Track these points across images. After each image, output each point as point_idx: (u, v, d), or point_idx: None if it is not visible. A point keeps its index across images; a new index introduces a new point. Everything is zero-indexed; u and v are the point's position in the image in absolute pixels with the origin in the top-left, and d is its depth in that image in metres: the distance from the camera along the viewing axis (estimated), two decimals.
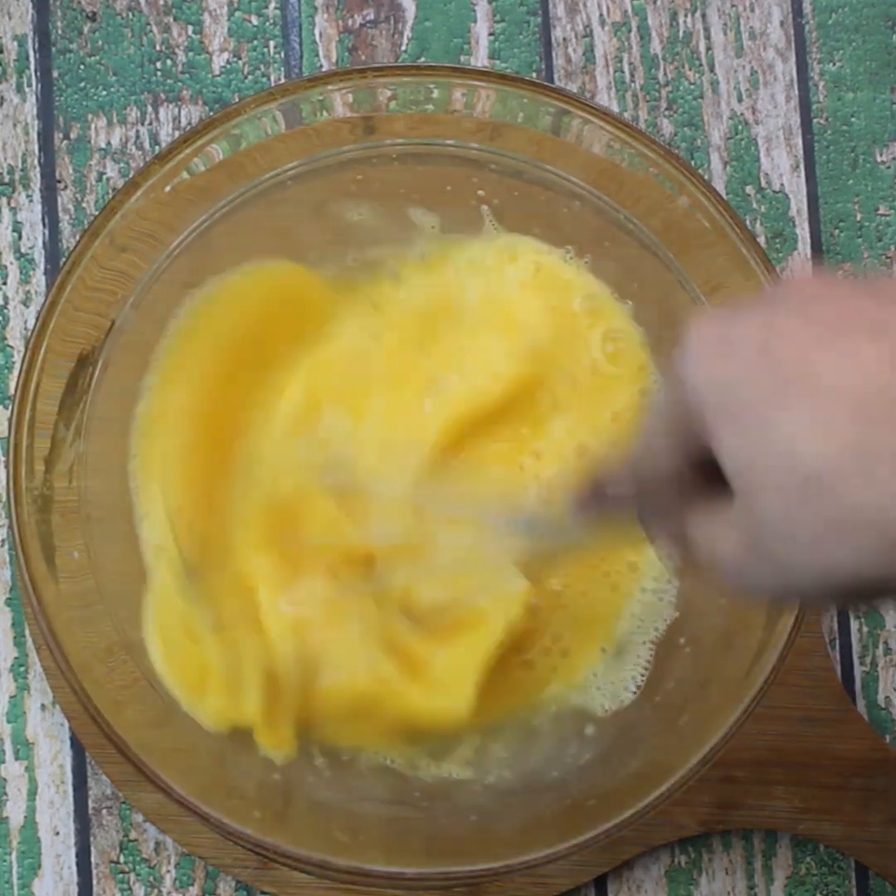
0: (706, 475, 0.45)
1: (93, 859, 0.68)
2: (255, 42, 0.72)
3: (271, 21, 0.72)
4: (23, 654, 0.69)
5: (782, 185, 0.72)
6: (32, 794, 0.68)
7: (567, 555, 0.62)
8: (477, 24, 0.73)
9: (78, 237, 0.64)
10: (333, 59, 0.72)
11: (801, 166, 0.72)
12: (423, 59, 0.72)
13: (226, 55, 0.72)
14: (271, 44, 0.72)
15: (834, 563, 0.41)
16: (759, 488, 0.42)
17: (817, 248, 0.72)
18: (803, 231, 0.72)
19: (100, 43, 0.72)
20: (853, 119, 0.73)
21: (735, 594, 0.54)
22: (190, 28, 0.72)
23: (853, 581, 0.41)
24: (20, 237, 0.71)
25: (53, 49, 0.72)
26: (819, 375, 0.41)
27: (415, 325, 0.66)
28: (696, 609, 0.66)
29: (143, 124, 0.71)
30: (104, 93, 0.71)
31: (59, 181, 0.71)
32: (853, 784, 0.68)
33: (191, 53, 0.72)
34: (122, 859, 0.68)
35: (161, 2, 0.72)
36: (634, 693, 0.66)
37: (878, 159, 0.73)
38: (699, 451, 0.44)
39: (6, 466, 0.61)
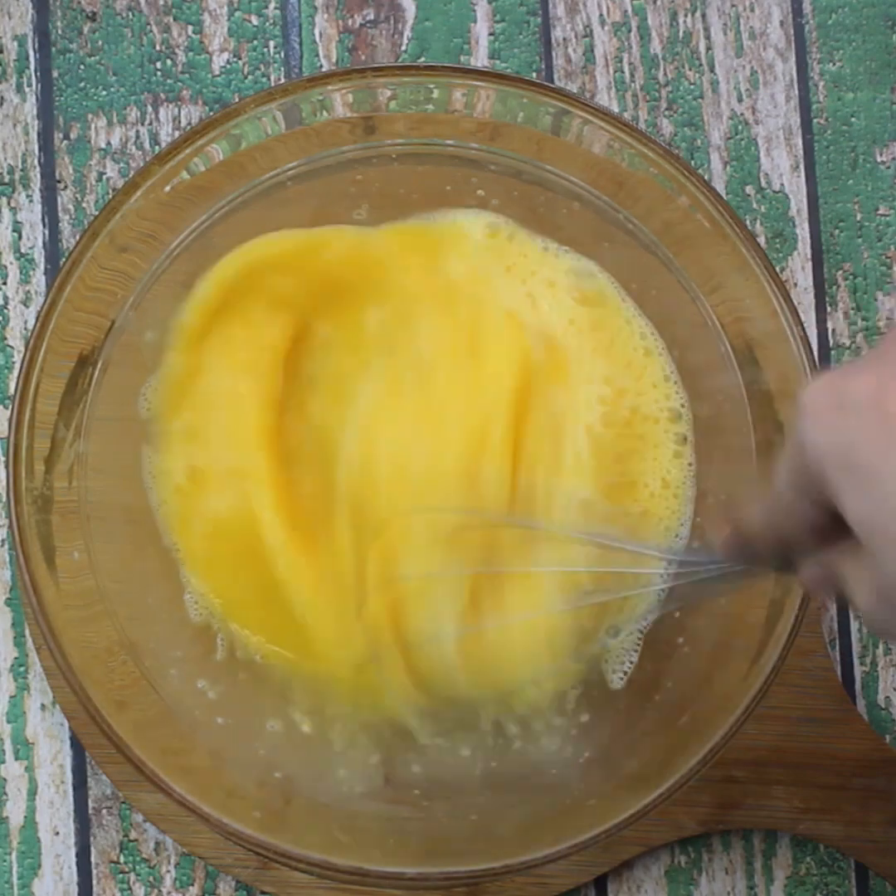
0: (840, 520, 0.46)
1: (93, 859, 0.68)
2: (255, 42, 0.72)
3: (271, 21, 0.72)
4: (23, 654, 0.69)
5: (782, 185, 0.72)
6: (32, 794, 0.69)
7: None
8: (477, 24, 0.73)
9: (78, 237, 0.64)
10: (333, 59, 0.72)
11: (801, 166, 0.72)
12: (423, 59, 0.72)
13: (226, 55, 0.72)
14: (271, 44, 0.72)
15: None
16: (880, 544, 0.43)
17: (817, 249, 0.72)
18: (803, 231, 0.72)
19: (100, 43, 0.72)
20: (853, 119, 0.73)
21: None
22: (190, 28, 0.72)
23: None
24: (20, 237, 0.71)
25: (53, 49, 0.72)
26: None
27: None
28: (695, 608, 0.66)
29: (143, 124, 0.71)
30: (104, 93, 0.71)
31: (59, 181, 0.71)
32: (853, 784, 0.68)
33: (191, 53, 0.72)
34: (122, 859, 0.68)
35: (161, 2, 0.72)
36: (621, 678, 0.66)
37: (878, 159, 0.73)
38: (828, 500, 0.45)
39: (6, 466, 0.61)
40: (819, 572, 0.49)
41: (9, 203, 0.71)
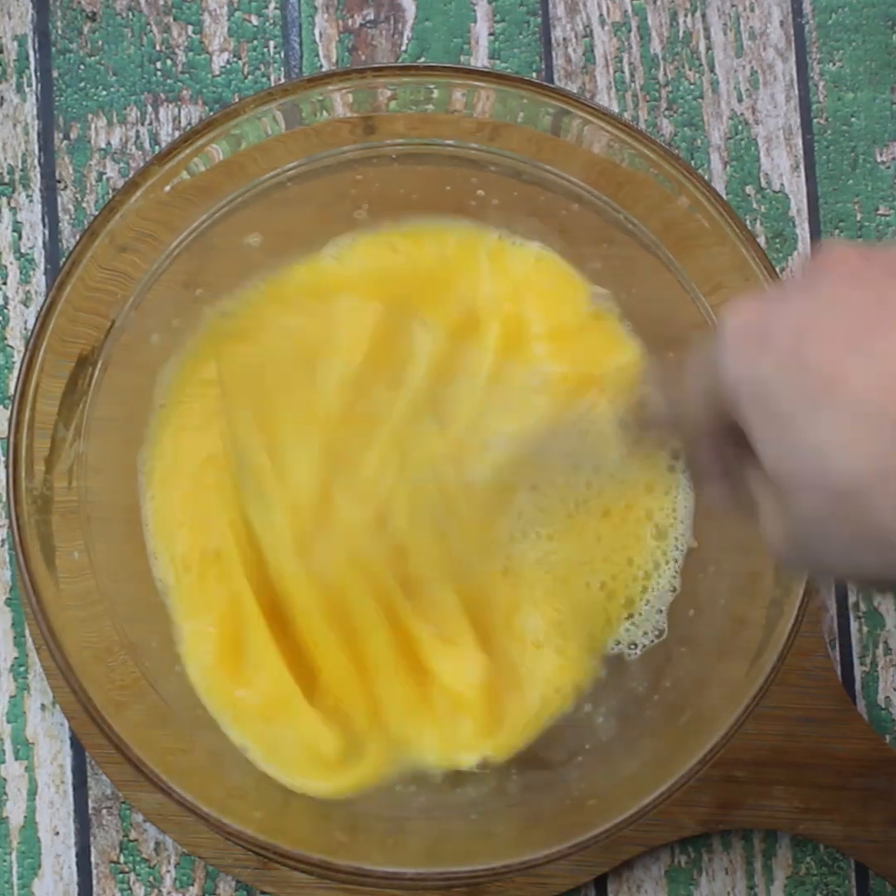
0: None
1: (93, 859, 0.68)
2: (255, 42, 0.72)
3: (271, 21, 0.72)
4: (23, 654, 0.69)
5: (782, 185, 0.72)
6: (32, 794, 0.69)
7: (600, 477, 0.62)
8: (477, 24, 0.73)
9: (78, 237, 0.64)
10: (333, 59, 0.72)
11: (801, 166, 0.72)
12: (423, 59, 0.72)
13: (226, 55, 0.72)
14: (271, 44, 0.72)
15: (862, 568, 0.42)
16: (792, 491, 0.42)
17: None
18: (803, 231, 0.72)
19: (100, 43, 0.72)
20: (853, 119, 0.73)
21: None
22: (190, 28, 0.72)
23: (881, 579, 0.42)
24: (20, 237, 0.71)
25: (53, 49, 0.72)
26: (847, 384, 0.40)
27: None
28: (695, 609, 0.66)
29: (143, 124, 0.71)
30: (104, 93, 0.71)
31: (59, 181, 0.71)
32: (853, 784, 0.68)
33: (191, 53, 0.72)
34: (122, 859, 0.68)
35: (161, 2, 0.72)
36: None
37: (878, 159, 0.73)
38: (738, 423, 0.45)
39: (6, 467, 0.61)
40: (729, 490, 0.49)
41: (9, 203, 0.71)
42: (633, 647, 0.66)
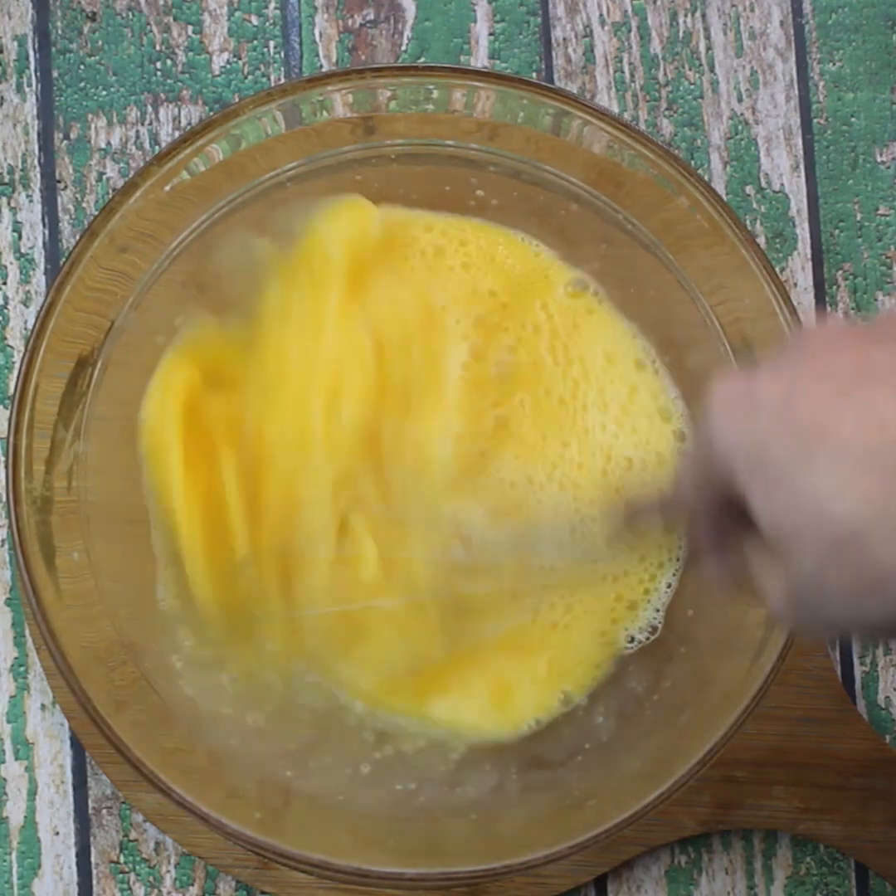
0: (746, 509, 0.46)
1: (93, 859, 0.68)
2: (255, 42, 0.72)
3: (271, 21, 0.72)
4: (23, 654, 0.69)
5: (782, 185, 0.72)
6: (32, 794, 0.69)
7: (597, 570, 0.63)
8: (477, 24, 0.73)
9: (78, 237, 0.64)
10: (333, 59, 0.72)
11: (801, 166, 0.72)
12: (423, 59, 0.72)
13: (226, 55, 0.72)
14: (271, 44, 0.72)
15: (866, 616, 0.42)
16: (791, 547, 0.43)
17: (817, 249, 0.72)
18: (803, 231, 0.72)
19: (100, 43, 0.72)
20: (853, 119, 0.73)
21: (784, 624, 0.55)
22: (190, 28, 0.72)
23: (884, 627, 0.42)
24: (20, 237, 0.71)
25: (53, 49, 0.72)
26: (839, 431, 0.41)
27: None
28: (694, 608, 0.66)
29: (143, 124, 0.71)
30: (104, 93, 0.71)
31: (59, 181, 0.71)
32: (853, 784, 0.68)
33: (191, 53, 0.72)
34: (122, 859, 0.68)
35: (161, 2, 0.72)
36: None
37: (878, 159, 0.73)
38: (736, 494, 0.45)
39: (6, 467, 0.61)
40: (726, 570, 0.49)
41: (9, 203, 0.71)
42: (631, 641, 0.66)
